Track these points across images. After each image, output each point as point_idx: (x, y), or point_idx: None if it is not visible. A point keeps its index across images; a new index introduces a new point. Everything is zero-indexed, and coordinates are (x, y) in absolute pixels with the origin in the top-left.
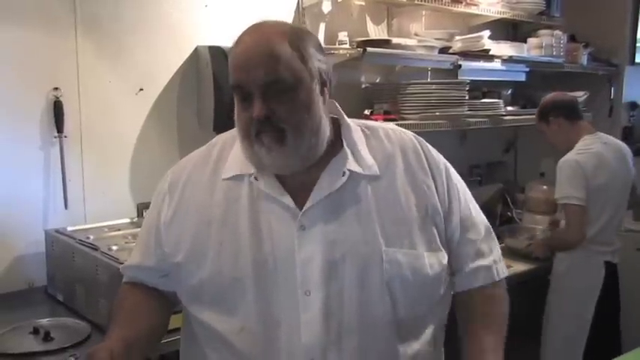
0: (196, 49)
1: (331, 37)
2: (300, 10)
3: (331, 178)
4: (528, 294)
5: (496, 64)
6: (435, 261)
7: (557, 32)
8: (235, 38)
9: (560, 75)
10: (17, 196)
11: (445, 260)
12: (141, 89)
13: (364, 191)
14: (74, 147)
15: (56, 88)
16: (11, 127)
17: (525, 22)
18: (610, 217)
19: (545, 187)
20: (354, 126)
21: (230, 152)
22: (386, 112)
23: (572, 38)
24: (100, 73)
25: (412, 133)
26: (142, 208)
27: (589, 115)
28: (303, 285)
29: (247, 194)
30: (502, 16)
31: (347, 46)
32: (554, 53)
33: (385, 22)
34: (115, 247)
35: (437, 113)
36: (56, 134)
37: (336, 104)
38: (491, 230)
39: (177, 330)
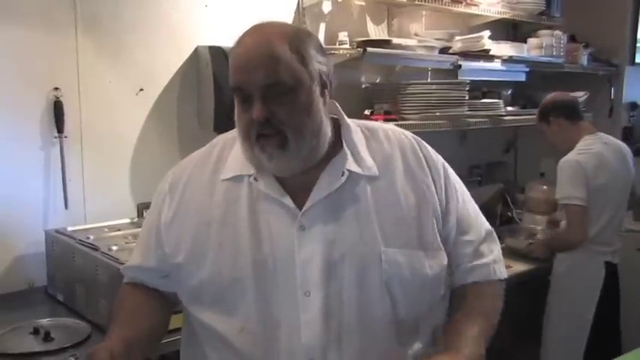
0: (196, 49)
1: (331, 37)
2: (300, 10)
3: (331, 178)
4: (528, 294)
5: (496, 65)
6: (434, 261)
7: (558, 32)
8: (236, 39)
9: (561, 75)
10: (17, 196)
11: (445, 261)
12: (141, 89)
13: (363, 191)
14: (74, 147)
15: (56, 88)
16: (11, 127)
17: (525, 23)
18: (610, 218)
19: (545, 187)
20: (354, 127)
21: (230, 153)
22: (386, 113)
23: (572, 38)
24: (100, 72)
25: (411, 133)
26: (142, 208)
27: (589, 116)
28: (303, 285)
29: (247, 195)
30: (502, 16)
31: (347, 46)
32: (555, 53)
33: (385, 22)
34: (115, 248)
35: (437, 113)
36: (56, 134)
37: (337, 105)
38: (493, 232)
39: (177, 330)
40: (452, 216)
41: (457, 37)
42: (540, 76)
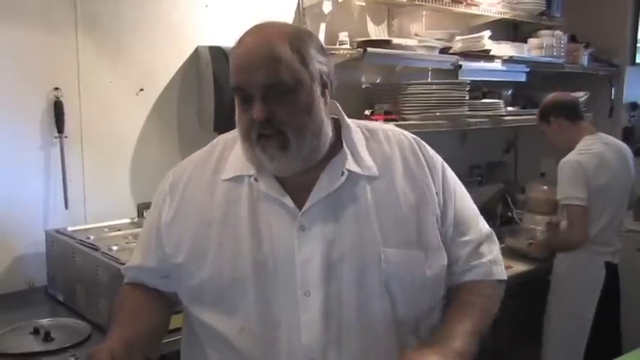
0: (197, 49)
1: (332, 38)
2: (300, 11)
3: (330, 178)
4: (529, 294)
5: (496, 65)
6: (434, 261)
7: (558, 32)
8: (236, 39)
9: (561, 75)
10: (18, 196)
11: (445, 261)
12: (141, 89)
13: (363, 191)
14: (74, 147)
15: (57, 88)
16: (12, 126)
17: (526, 23)
18: (611, 218)
19: (545, 187)
20: (355, 127)
21: (231, 153)
22: (386, 113)
23: (572, 39)
24: (100, 72)
25: (411, 134)
26: (142, 208)
27: (589, 116)
28: (303, 286)
29: (247, 195)
30: (502, 16)
31: (347, 46)
32: (555, 53)
33: (386, 22)
34: (115, 248)
35: (437, 113)
36: (57, 134)
37: (337, 105)
38: (492, 234)
39: (177, 330)
40: (449, 216)
41: (457, 37)
42: (541, 76)
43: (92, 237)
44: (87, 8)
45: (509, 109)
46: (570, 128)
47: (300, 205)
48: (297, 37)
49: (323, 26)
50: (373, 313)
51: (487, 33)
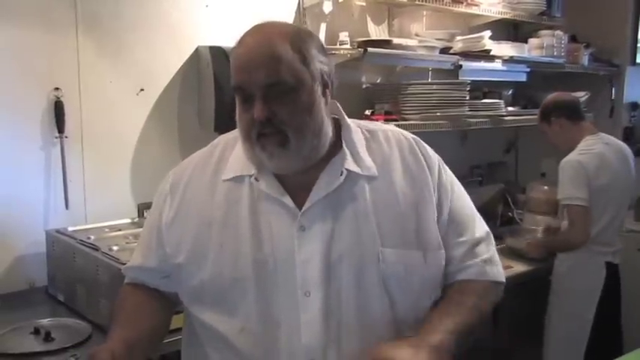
0: (197, 49)
1: (332, 38)
2: (300, 11)
3: (330, 178)
4: (529, 295)
5: (497, 65)
6: (433, 261)
7: (558, 32)
8: (236, 39)
9: (561, 75)
10: (18, 196)
11: (444, 261)
12: (142, 89)
13: (362, 191)
14: (75, 147)
15: (57, 89)
16: (12, 127)
17: (526, 23)
18: (611, 218)
19: (546, 187)
20: (355, 127)
21: (232, 153)
22: (387, 113)
23: (573, 38)
24: (100, 72)
25: (411, 134)
26: (142, 208)
27: (590, 116)
28: (303, 286)
29: (248, 195)
30: (503, 16)
31: (348, 46)
32: (555, 53)
33: (386, 22)
34: (115, 248)
35: (438, 113)
36: (57, 134)
37: (338, 105)
38: (490, 235)
39: (178, 330)
40: (444, 214)
41: (458, 38)
42: (541, 76)
43: (92, 237)
44: (87, 8)
45: (510, 109)
46: (571, 128)
47: (300, 204)
48: (297, 36)
49: (323, 26)
50: (372, 312)
51: (487, 33)
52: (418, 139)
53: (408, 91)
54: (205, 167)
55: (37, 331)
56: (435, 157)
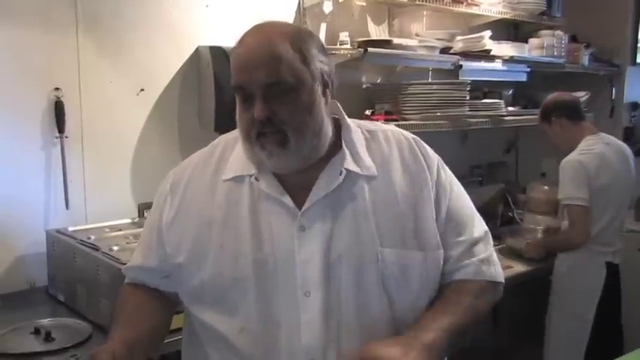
0: (197, 49)
1: (332, 38)
2: (301, 11)
3: (329, 178)
4: (530, 295)
5: (497, 65)
6: (432, 261)
7: (559, 32)
8: (237, 39)
9: (562, 75)
10: (18, 196)
11: (442, 261)
12: (142, 89)
13: (361, 191)
14: (75, 147)
15: (57, 89)
16: (12, 126)
17: (526, 23)
18: (612, 218)
19: (546, 187)
20: (355, 127)
21: (232, 153)
22: (387, 113)
23: (573, 38)
24: (101, 71)
25: (411, 134)
26: (143, 208)
27: (590, 116)
28: (303, 286)
29: (248, 195)
30: (503, 16)
31: (348, 46)
32: (556, 53)
33: (386, 22)
34: (116, 248)
35: (438, 113)
36: (57, 134)
37: (338, 105)
38: (488, 234)
39: (178, 330)
40: (442, 213)
41: (458, 37)
42: (541, 76)
43: (93, 237)
44: (87, 7)
45: (510, 109)
46: (572, 128)
47: (299, 204)
48: (298, 36)
49: (323, 26)
50: (372, 312)
51: (488, 33)
52: (418, 138)
53: (409, 91)
54: (205, 167)
55: (37, 331)
56: (434, 157)
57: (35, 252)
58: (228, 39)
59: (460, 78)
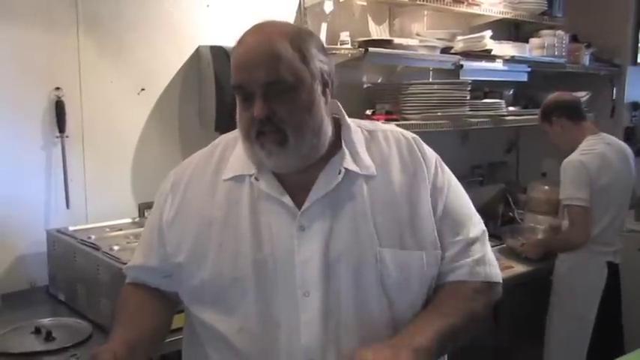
0: (198, 49)
1: (333, 37)
2: (301, 10)
3: (328, 177)
4: (530, 295)
5: (498, 65)
6: (432, 260)
7: (560, 32)
8: (237, 38)
9: (562, 75)
10: (19, 195)
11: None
12: (142, 89)
13: (360, 190)
14: (76, 147)
15: (58, 88)
16: (13, 126)
17: (527, 22)
18: (612, 218)
19: (547, 187)
20: (355, 127)
21: (232, 153)
22: (388, 112)
23: (574, 38)
24: (101, 71)
25: (411, 133)
26: (143, 207)
27: (591, 116)
28: (303, 286)
29: (248, 195)
30: (504, 16)
31: (349, 46)
32: (556, 53)
33: (387, 22)
34: (116, 247)
35: (438, 113)
36: (58, 134)
37: (338, 104)
38: (484, 234)
39: (179, 330)
40: (439, 213)
41: (459, 37)
42: (542, 76)
43: (93, 237)
44: (88, 7)
45: (511, 108)
46: (572, 128)
47: (299, 204)
48: (297, 35)
49: (324, 26)
50: (371, 312)
51: (488, 33)
52: (418, 138)
53: (409, 91)
54: (206, 167)
55: (37, 331)
56: (432, 156)
57: (36, 251)
58: (228, 39)
59: (461, 78)
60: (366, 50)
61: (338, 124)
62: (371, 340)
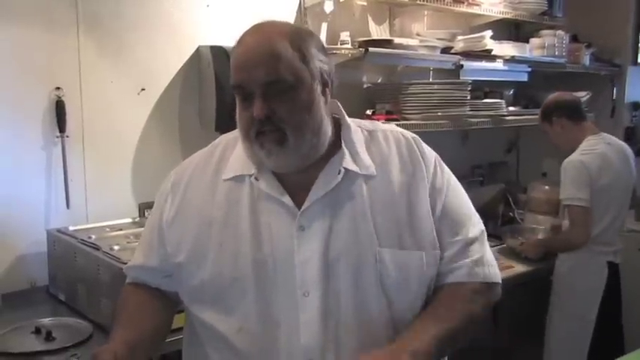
0: (198, 49)
1: (333, 37)
2: (302, 10)
3: (328, 177)
4: (530, 295)
5: (498, 65)
6: (431, 260)
7: (560, 32)
8: (237, 38)
9: (563, 75)
10: (19, 195)
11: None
12: (143, 89)
13: (360, 190)
14: (76, 147)
15: (58, 88)
16: (13, 126)
17: (527, 22)
18: (613, 218)
19: (547, 187)
20: (355, 127)
21: (232, 153)
22: (388, 112)
23: (574, 38)
24: (101, 71)
25: (411, 133)
26: (143, 207)
27: (591, 116)
28: (302, 286)
29: (248, 195)
30: (504, 16)
31: (349, 46)
32: (557, 53)
33: (387, 22)
34: (116, 247)
35: (439, 113)
36: (58, 134)
37: (338, 104)
38: (483, 234)
39: (179, 329)
40: (438, 213)
41: (459, 37)
42: (542, 76)
43: (93, 236)
44: (88, 7)
45: (511, 108)
46: (573, 128)
47: (299, 204)
48: (297, 35)
49: (324, 26)
50: (370, 313)
51: (489, 33)
52: (417, 137)
53: (409, 91)
54: (206, 167)
55: (38, 331)
56: (432, 155)
57: (36, 251)
58: (229, 38)
59: (461, 78)
60: (366, 50)
61: (338, 124)
62: (370, 340)
